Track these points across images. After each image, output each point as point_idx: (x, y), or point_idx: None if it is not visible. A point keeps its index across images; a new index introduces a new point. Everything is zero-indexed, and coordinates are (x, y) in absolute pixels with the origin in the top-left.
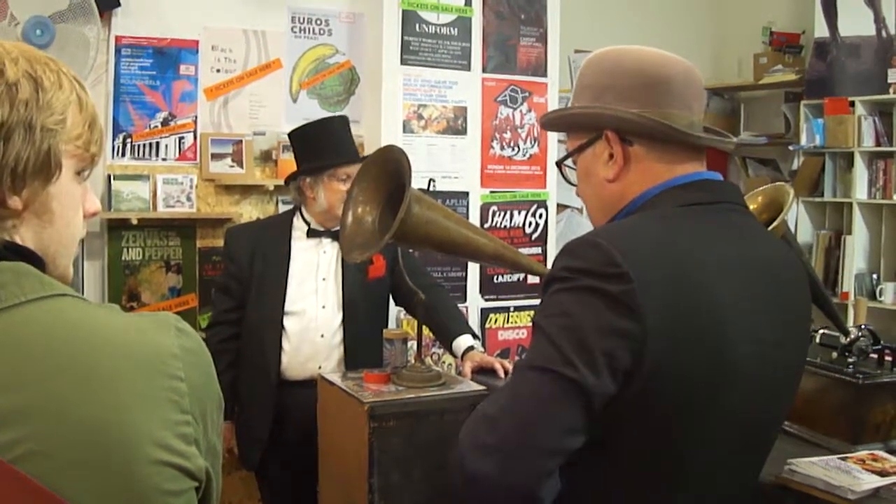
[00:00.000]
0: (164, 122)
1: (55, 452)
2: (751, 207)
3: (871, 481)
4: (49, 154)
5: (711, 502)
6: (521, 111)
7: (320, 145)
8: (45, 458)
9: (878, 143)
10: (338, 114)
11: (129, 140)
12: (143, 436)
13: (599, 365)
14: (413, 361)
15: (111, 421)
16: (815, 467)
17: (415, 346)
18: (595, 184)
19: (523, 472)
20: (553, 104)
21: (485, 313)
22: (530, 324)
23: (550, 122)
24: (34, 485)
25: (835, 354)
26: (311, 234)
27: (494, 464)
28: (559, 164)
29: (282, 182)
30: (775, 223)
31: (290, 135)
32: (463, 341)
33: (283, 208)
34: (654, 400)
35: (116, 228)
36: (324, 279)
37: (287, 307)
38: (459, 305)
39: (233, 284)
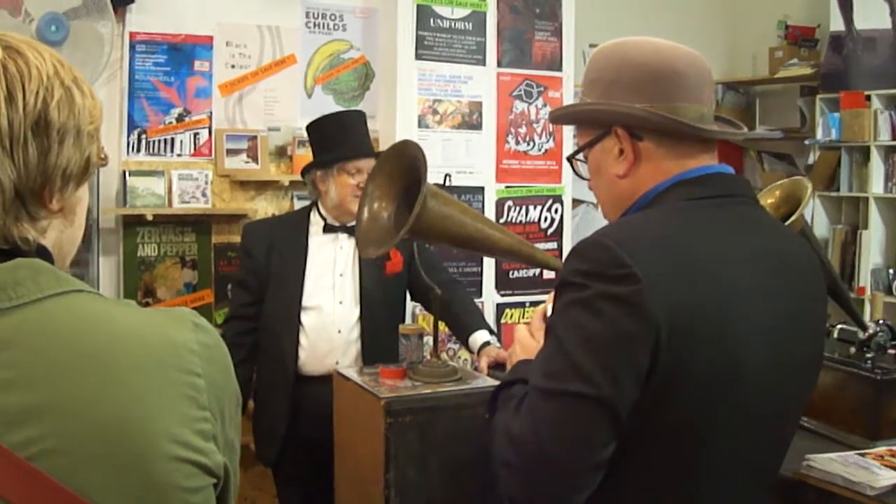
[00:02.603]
0: (179, 118)
1: (72, 450)
2: (768, 202)
3: (889, 477)
4: (88, 160)
5: (731, 498)
6: (536, 106)
7: (332, 139)
8: (62, 456)
9: (894, 137)
10: (354, 108)
11: (143, 136)
12: (160, 432)
13: (620, 375)
14: (429, 357)
15: (128, 418)
16: (834, 463)
17: (431, 342)
18: (606, 179)
19: (551, 491)
20: (568, 98)
21: (500, 308)
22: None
23: (559, 117)
24: (52, 483)
25: (853, 350)
26: (328, 229)
27: (522, 485)
28: (570, 159)
29: (297, 178)
30: (793, 217)
31: (307, 127)
32: (479, 337)
33: (298, 204)
34: (670, 397)
35: (132, 224)
36: (341, 275)
37: (304, 302)
38: (475, 301)
39: (250, 279)
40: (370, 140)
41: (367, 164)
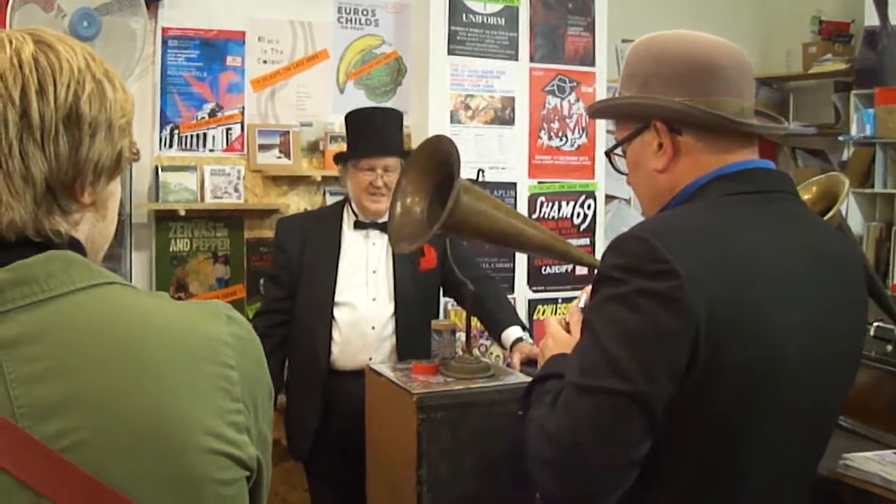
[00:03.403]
0: (212, 114)
1: (104, 442)
2: (805, 197)
3: None
4: (120, 153)
5: (769, 496)
6: (569, 101)
7: (356, 134)
8: (94, 448)
9: None
10: (388, 106)
11: (176, 131)
12: (194, 424)
13: (658, 371)
14: (461, 353)
15: (162, 409)
16: (871, 462)
17: (463, 338)
18: (645, 174)
19: (586, 487)
20: (601, 94)
21: (533, 304)
22: None
23: (597, 111)
24: (84, 474)
25: (890, 348)
26: (358, 225)
27: (557, 481)
28: (608, 153)
29: (329, 173)
30: (830, 214)
31: (345, 116)
32: (512, 333)
33: (330, 199)
34: (707, 393)
35: (164, 219)
36: (374, 272)
37: (337, 298)
38: (507, 297)
39: (283, 274)
40: (396, 137)
41: (382, 161)
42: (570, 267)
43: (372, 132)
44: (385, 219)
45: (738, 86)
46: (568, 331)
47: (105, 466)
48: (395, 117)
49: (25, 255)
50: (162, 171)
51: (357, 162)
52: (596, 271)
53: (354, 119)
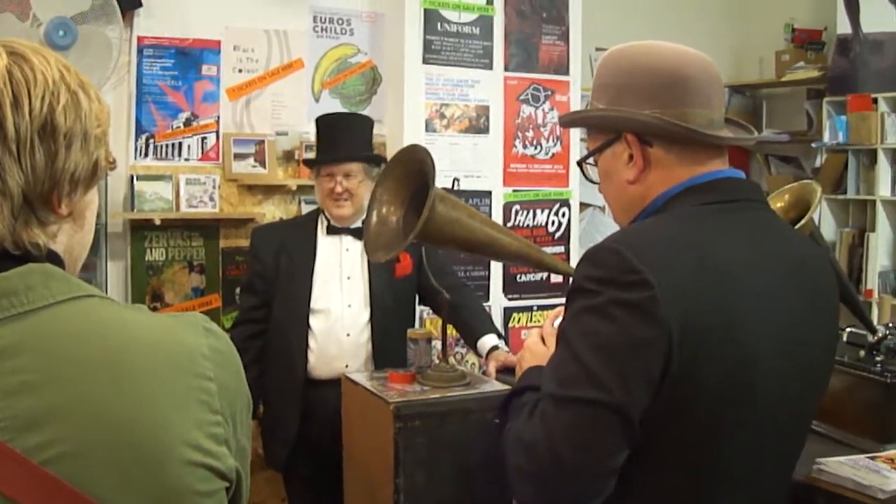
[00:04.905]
0: (187, 123)
1: (86, 454)
2: (777, 205)
3: None
4: (96, 164)
5: (747, 502)
6: (543, 109)
7: (320, 141)
8: (76, 460)
9: None
10: (357, 112)
11: (151, 140)
12: (174, 436)
13: (633, 381)
14: (437, 361)
15: (142, 421)
16: (845, 467)
17: (439, 346)
18: (616, 185)
19: (565, 497)
20: (575, 102)
21: (508, 312)
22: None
23: (569, 122)
24: (66, 487)
25: (862, 353)
26: (330, 230)
27: (535, 491)
28: (580, 163)
29: (304, 182)
30: (803, 221)
31: (315, 120)
32: (488, 341)
33: (305, 208)
34: (683, 402)
35: (139, 229)
36: (348, 278)
37: (312, 305)
38: (482, 305)
39: (258, 283)
40: (358, 143)
41: (340, 168)
42: (545, 275)
43: (333, 140)
44: (358, 224)
45: (707, 97)
46: (545, 343)
47: (86, 478)
48: (361, 123)
49: (4, 268)
50: (137, 180)
51: (319, 169)
52: (571, 280)
53: (320, 124)
